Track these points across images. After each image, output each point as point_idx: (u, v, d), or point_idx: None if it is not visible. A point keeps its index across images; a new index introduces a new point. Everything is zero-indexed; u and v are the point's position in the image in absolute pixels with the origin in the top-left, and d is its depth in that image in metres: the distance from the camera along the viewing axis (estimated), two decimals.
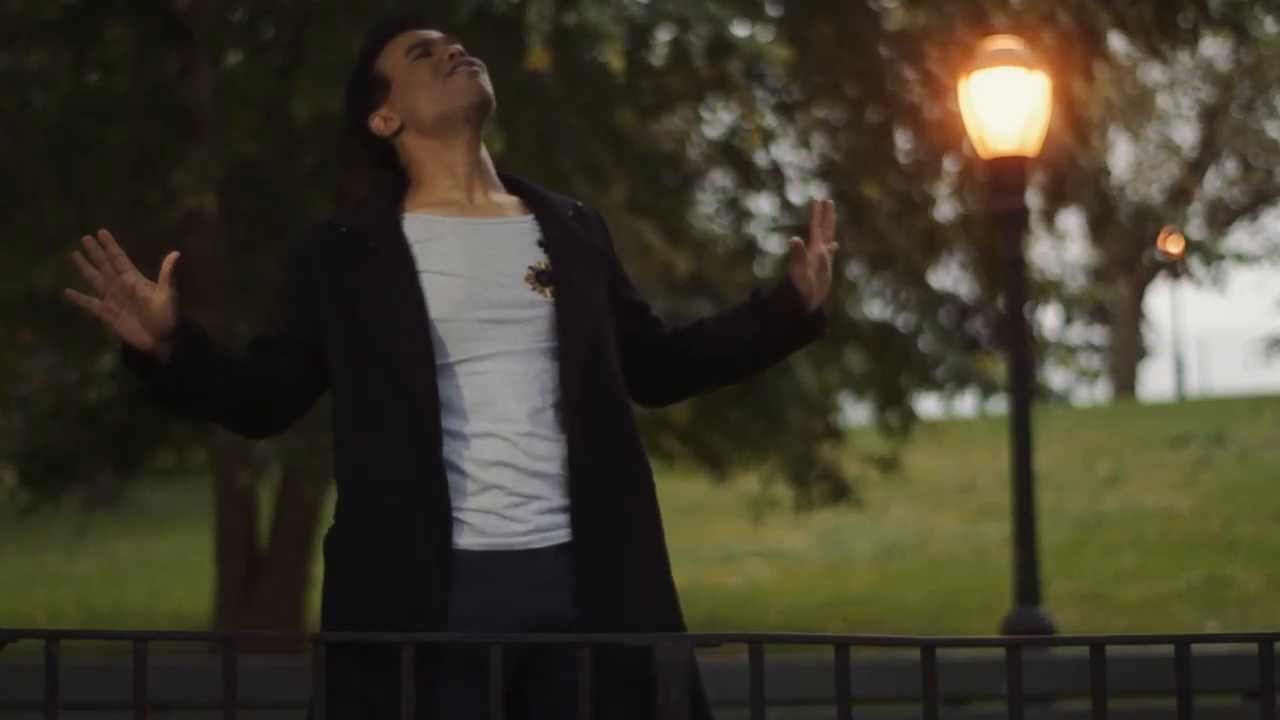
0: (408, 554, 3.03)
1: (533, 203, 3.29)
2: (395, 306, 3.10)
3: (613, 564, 3.10)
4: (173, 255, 3.06)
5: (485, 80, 3.27)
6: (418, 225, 3.20)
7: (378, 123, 3.30)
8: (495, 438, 3.08)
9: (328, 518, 3.25)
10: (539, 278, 3.16)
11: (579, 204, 3.34)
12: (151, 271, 3.11)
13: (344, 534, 3.12)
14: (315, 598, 11.91)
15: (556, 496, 3.10)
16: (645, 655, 2.97)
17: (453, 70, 3.25)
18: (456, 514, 3.05)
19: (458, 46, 3.28)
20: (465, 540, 3.05)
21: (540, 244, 3.21)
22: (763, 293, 3.32)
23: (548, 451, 3.10)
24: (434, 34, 3.31)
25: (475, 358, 3.11)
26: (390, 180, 3.31)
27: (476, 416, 3.09)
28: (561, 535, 3.09)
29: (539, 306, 3.14)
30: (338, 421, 3.17)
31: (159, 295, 3.07)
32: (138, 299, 3.07)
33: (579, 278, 3.19)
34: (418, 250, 3.16)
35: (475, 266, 3.15)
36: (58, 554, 19.43)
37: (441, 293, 3.12)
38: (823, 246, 3.29)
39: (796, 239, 3.28)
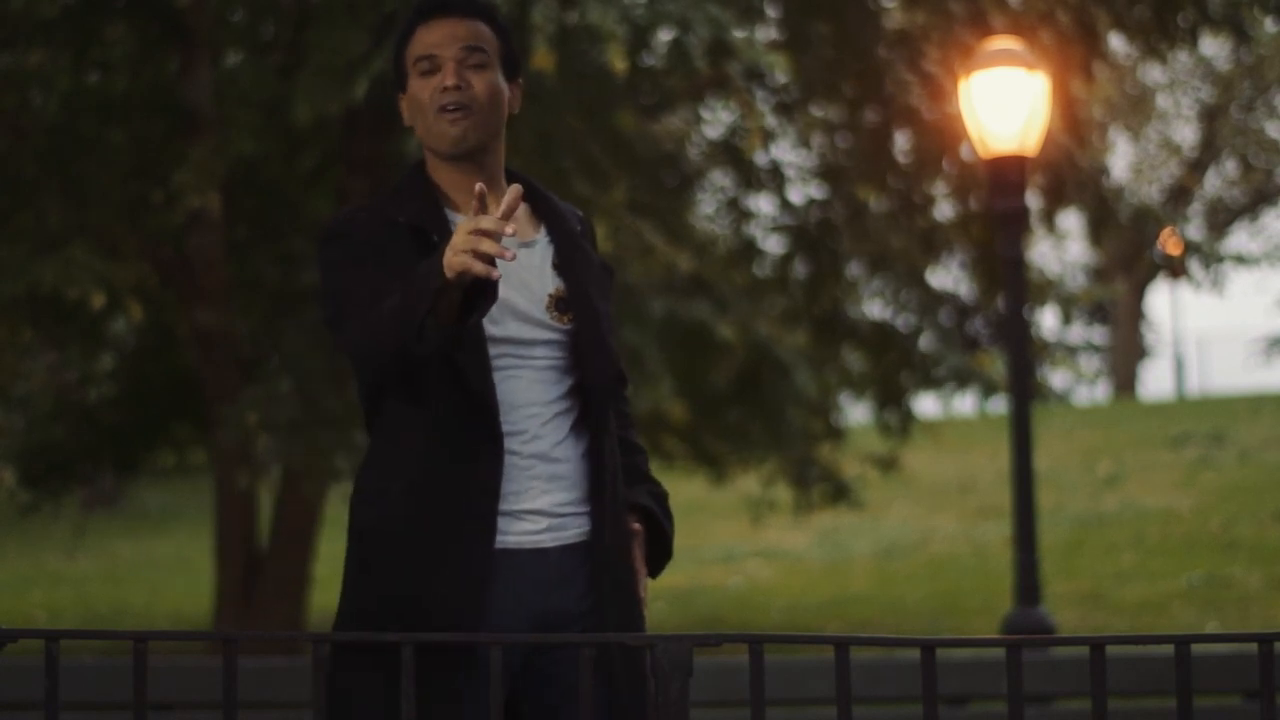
0: (449, 553, 3.08)
1: (543, 213, 3.28)
2: None
3: (621, 565, 3.19)
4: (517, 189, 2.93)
5: (472, 126, 3.17)
6: None
7: (403, 108, 3.27)
8: (512, 439, 3.13)
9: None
10: (558, 305, 3.19)
11: (579, 214, 3.35)
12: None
13: (388, 525, 3.12)
14: (315, 598, 11.96)
15: (565, 503, 3.16)
16: (640, 654, 3.10)
17: (441, 109, 3.18)
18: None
19: (454, 79, 3.18)
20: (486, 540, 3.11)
21: (555, 266, 3.23)
22: (646, 506, 3.29)
23: (558, 455, 3.16)
24: (446, 47, 3.20)
25: (497, 369, 3.13)
26: (422, 172, 3.26)
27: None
28: (569, 536, 3.16)
29: (557, 332, 3.18)
30: (388, 408, 3.16)
31: None
32: None
33: (595, 300, 3.22)
34: None
35: (507, 289, 3.15)
36: (58, 554, 19.42)
37: None
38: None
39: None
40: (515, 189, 2.90)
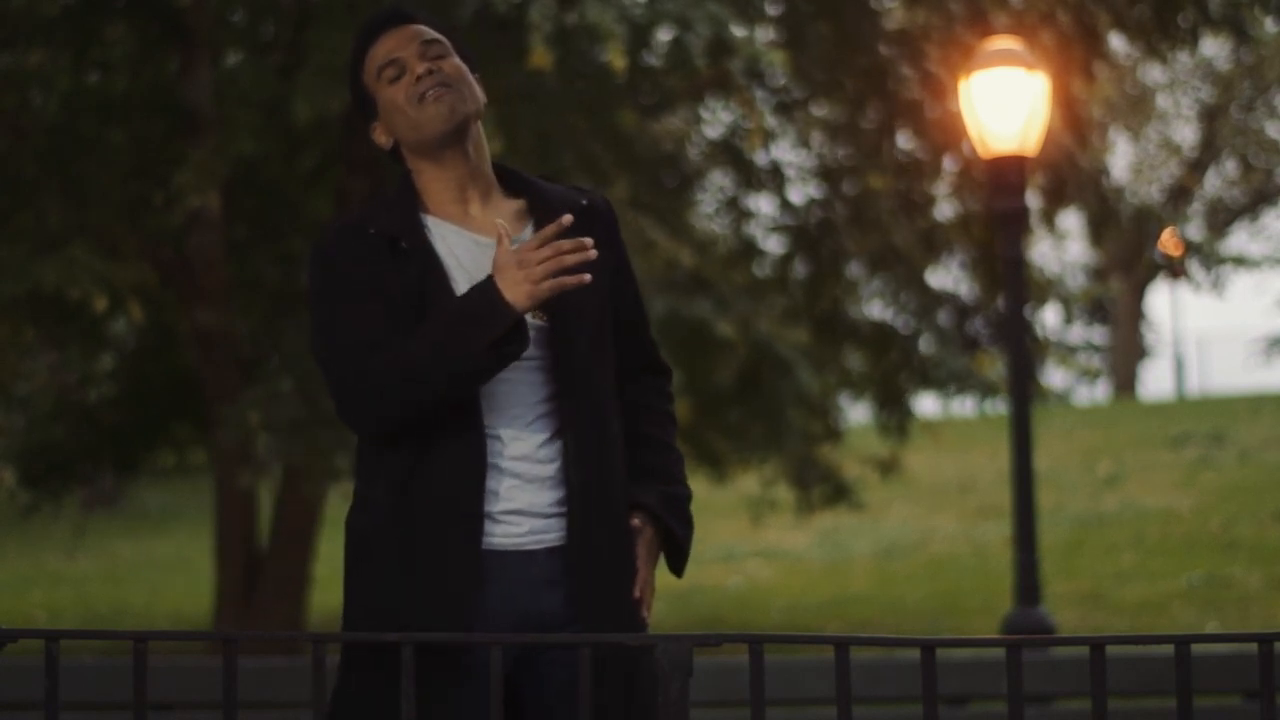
0: (442, 555, 3.08)
1: (535, 208, 3.27)
2: (431, 308, 3.13)
3: (604, 567, 3.16)
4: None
5: (458, 98, 3.22)
6: (441, 231, 3.22)
7: (377, 134, 3.31)
8: (495, 442, 3.13)
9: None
10: (541, 304, 3.16)
11: (585, 199, 3.31)
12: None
13: (378, 530, 3.14)
14: (315, 598, 11.95)
15: (547, 504, 3.15)
16: (638, 655, 3.09)
17: (421, 97, 3.21)
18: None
19: (425, 66, 3.23)
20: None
21: None
22: (650, 505, 3.27)
23: (541, 456, 3.15)
24: (404, 49, 3.26)
25: None
26: (407, 181, 3.29)
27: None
28: (554, 538, 3.15)
29: (539, 331, 3.16)
30: None
31: None
32: None
33: (580, 295, 3.17)
34: (446, 259, 3.18)
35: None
36: (58, 554, 19.42)
37: None
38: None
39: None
40: (566, 219, 3.06)
